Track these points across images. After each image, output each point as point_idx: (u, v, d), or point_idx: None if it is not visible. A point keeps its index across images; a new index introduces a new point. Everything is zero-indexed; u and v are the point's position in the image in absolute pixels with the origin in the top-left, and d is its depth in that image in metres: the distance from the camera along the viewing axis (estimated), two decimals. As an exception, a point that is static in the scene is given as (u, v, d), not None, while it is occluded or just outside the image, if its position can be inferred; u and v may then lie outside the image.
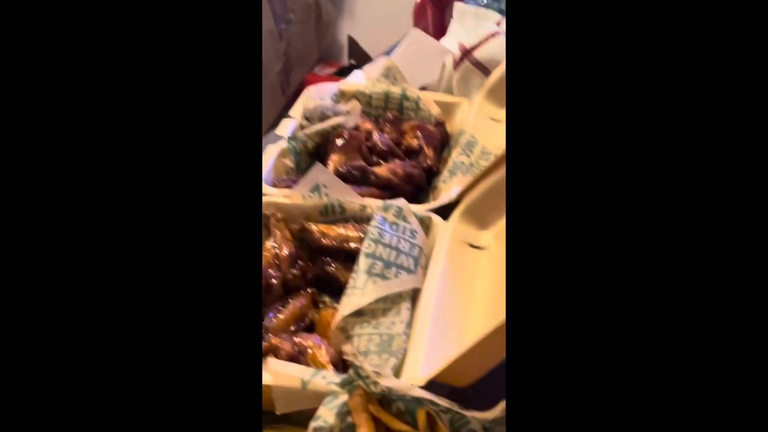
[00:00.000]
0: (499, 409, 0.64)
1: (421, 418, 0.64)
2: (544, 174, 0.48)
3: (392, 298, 0.80)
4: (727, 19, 0.46)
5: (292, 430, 0.72)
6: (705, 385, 0.44)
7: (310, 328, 0.84)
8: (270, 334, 0.78)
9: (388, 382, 0.65)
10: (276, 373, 0.69)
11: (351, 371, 0.66)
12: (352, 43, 3.07)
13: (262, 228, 0.92)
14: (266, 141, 1.10)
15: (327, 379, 0.68)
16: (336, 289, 0.89)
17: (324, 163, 1.05)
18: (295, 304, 0.84)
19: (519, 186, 0.49)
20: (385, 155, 1.10)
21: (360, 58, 3.04)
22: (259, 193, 0.91)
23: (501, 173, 0.94)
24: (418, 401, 0.65)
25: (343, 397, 0.66)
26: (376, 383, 0.65)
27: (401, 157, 1.11)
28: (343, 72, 2.99)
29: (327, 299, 0.90)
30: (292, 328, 0.82)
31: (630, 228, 0.46)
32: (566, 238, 0.47)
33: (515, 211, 0.49)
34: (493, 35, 1.24)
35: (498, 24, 1.29)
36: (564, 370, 0.46)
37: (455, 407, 0.64)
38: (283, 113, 1.22)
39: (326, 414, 0.65)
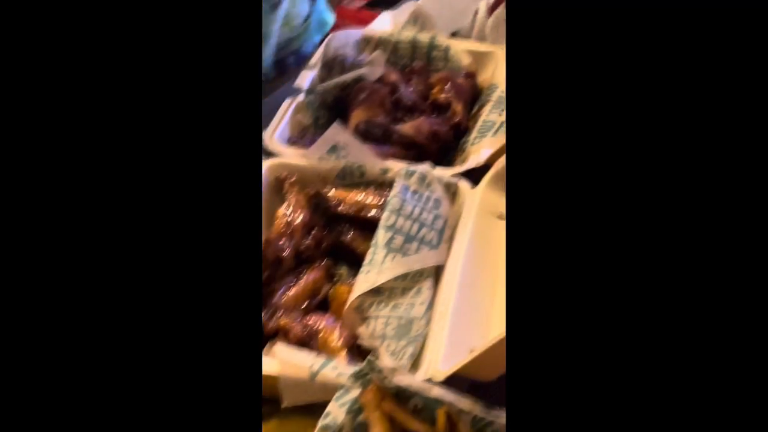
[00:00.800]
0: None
1: (441, 418, 0.58)
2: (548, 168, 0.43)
3: (412, 276, 0.73)
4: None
5: (300, 420, 0.67)
6: (713, 391, 0.40)
7: (324, 304, 0.78)
8: (280, 313, 0.72)
9: (404, 379, 0.59)
10: (283, 361, 0.63)
11: (365, 364, 0.60)
12: (384, -30, 2.94)
13: (272, 192, 0.86)
14: (284, 93, 1.02)
15: (338, 370, 0.62)
16: (353, 260, 0.82)
17: (344, 118, 0.98)
18: (307, 278, 0.77)
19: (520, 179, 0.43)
20: (411, 110, 1.02)
21: (392, -14, 2.91)
22: (258, 165, 0.84)
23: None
24: (438, 400, 0.59)
25: (355, 392, 0.60)
26: (391, 378, 0.59)
27: (427, 112, 1.03)
28: (374, 3, 2.86)
29: (343, 271, 0.83)
30: (304, 304, 0.75)
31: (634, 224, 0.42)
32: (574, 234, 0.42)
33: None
34: (531, -21, 1.13)
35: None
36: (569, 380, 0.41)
37: (478, 408, 0.58)
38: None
39: (336, 411, 0.59)
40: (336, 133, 0.86)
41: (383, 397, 0.60)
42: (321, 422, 0.58)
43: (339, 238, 0.83)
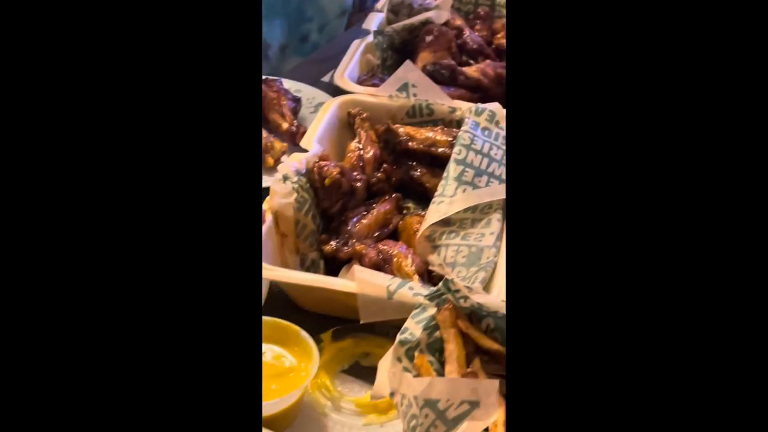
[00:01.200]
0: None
1: (513, 337, 0.61)
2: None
3: (482, 208, 0.76)
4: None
5: (375, 340, 0.71)
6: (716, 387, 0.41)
7: (393, 235, 0.81)
8: (354, 240, 0.76)
9: (479, 297, 0.62)
10: (361, 281, 0.66)
11: (441, 284, 0.63)
12: None
13: (343, 126, 0.89)
14: (352, 36, 1.04)
15: (414, 290, 0.65)
16: (420, 195, 0.85)
17: (411, 60, 1.00)
18: (379, 210, 0.80)
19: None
20: (476, 54, 1.04)
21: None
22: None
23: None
24: (510, 319, 0.62)
25: (431, 311, 0.63)
26: (466, 298, 0.62)
27: (492, 57, 1.05)
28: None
29: (411, 205, 0.86)
30: (376, 234, 0.79)
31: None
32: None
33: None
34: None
35: None
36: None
37: (550, 328, 0.61)
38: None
39: (413, 327, 0.62)
40: (407, 71, 0.88)
41: (458, 316, 0.63)
42: (399, 336, 0.61)
43: (408, 173, 0.86)
